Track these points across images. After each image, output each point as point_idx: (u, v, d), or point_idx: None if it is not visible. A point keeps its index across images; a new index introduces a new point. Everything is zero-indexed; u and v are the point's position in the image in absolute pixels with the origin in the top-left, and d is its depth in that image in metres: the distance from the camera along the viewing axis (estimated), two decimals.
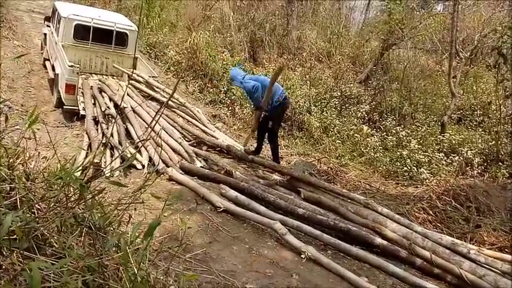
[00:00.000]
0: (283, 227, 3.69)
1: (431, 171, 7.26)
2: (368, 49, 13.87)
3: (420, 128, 9.18)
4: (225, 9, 13.03)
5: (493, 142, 8.07)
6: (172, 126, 6.16)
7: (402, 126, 9.27)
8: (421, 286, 3.31)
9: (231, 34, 12.24)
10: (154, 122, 3.01)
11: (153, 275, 1.83)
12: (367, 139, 8.57)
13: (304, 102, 9.80)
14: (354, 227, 3.97)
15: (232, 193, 4.31)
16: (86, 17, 7.51)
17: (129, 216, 2.16)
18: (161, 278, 1.91)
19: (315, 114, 9.52)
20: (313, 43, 13.43)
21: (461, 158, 7.53)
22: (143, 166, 4.97)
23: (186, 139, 6.03)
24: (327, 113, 9.71)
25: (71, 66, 6.44)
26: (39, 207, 1.87)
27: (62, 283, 1.50)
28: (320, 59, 13.04)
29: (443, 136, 8.52)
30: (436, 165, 7.51)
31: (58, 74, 6.94)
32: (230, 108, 9.21)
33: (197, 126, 6.55)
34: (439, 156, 7.72)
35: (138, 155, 5.04)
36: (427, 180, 6.68)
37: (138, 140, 5.17)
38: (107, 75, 7.77)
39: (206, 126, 6.60)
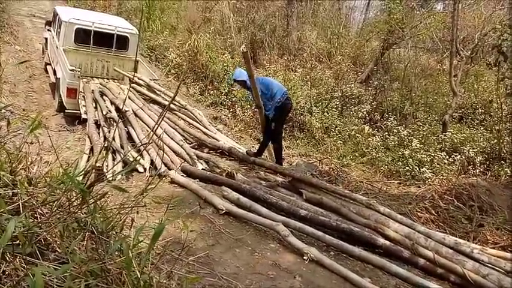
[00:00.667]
0: (286, 228, 3.69)
1: (433, 171, 7.25)
2: (368, 49, 13.87)
3: (422, 127, 9.18)
4: (225, 11, 13.06)
5: (495, 140, 8.05)
6: (174, 128, 6.18)
7: (404, 125, 9.26)
8: (425, 286, 3.30)
9: (231, 36, 12.26)
10: (156, 125, 3.01)
11: (156, 279, 1.83)
12: (369, 139, 8.56)
13: (305, 103, 9.81)
14: (356, 228, 3.96)
15: (234, 195, 4.31)
16: (87, 21, 7.54)
17: (131, 220, 2.17)
18: (164, 281, 1.91)
19: (316, 115, 9.52)
20: (313, 44, 13.44)
21: (463, 157, 7.52)
22: (145, 169, 4.98)
23: (188, 141, 6.04)
24: (328, 113, 9.71)
25: (72, 70, 6.47)
26: (41, 212, 1.88)
27: None
28: (320, 59, 13.04)
29: (445, 135, 8.51)
30: (438, 164, 7.50)
31: (59, 78, 6.96)
32: (231, 110, 9.22)
33: (198, 129, 6.56)
34: (441, 155, 7.72)
35: (140, 159, 5.05)
36: (429, 180, 6.68)
37: (140, 144, 5.19)
38: (108, 78, 7.80)
39: (207, 129, 6.61)
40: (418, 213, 5.12)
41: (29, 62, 8.73)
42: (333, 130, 9.21)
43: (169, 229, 3.34)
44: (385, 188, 6.34)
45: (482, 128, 9.28)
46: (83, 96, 6.65)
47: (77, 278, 1.56)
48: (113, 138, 5.36)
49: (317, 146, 8.75)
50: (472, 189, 5.41)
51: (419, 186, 6.52)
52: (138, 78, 7.30)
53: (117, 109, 6.25)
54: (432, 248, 3.78)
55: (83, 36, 7.51)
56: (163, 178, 4.71)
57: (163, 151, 5.27)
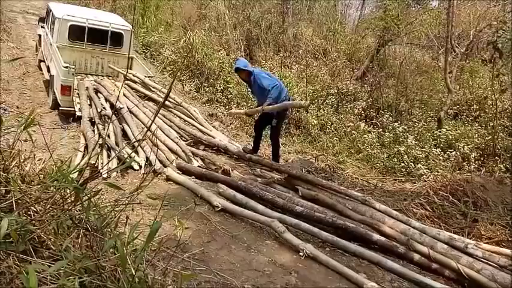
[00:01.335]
0: (282, 225, 3.69)
1: (428, 167, 7.28)
2: (364, 46, 13.88)
3: (417, 123, 9.21)
4: (220, 7, 13.00)
5: (490, 137, 8.10)
6: (169, 126, 6.15)
7: (399, 122, 9.29)
8: (420, 281, 3.33)
9: (226, 32, 12.22)
10: (151, 122, 3.00)
11: (151, 276, 1.83)
12: (365, 136, 8.58)
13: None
14: (352, 224, 3.97)
15: (230, 192, 4.31)
16: (81, 18, 7.47)
17: (126, 217, 2.16)
18: (159, 278, 1.91)
19: (312, 112, 9.53)
20: (309, 40, 13.43)
21: (458, 153, 7.56)
22: (140, 167, 4.96)
23: (183, 139, 6.03)
24: (323, 110, 9.72)
25: (66, 67, 6.41)
26: (35, 209, 1.87)
27: (59, 285, 1.50)
28: (316, 56, 13.04)
29: (440, 131, 8.54)
30: (433, 160, 7.53)
31: (53, 76, 6.91)
32: (227, 107, 9.20)
33: (194, 126, 6.54)
34: (436, 151, 7.75)
35: (135, 156, 5.03)
36: (425, 176, 6.71)
37: (134, 140, 5.16)
38: (102, 75, 7.74)
39: (203, 126, 6.59)
40: (414, 209, 5.14)
41: (23, 59, 8.65)
42: (329, 127, 9.22)
43: (165, 226, 3.33)
44: (380, 185, 6.36)
45: (476, 125, 9.33)
46: (78, 94, 6.60)
47: (71, 275, 1.55)
48: (108, 136, 5.33)
49: (313, 143, 8.75)
50: (466, 185, 5.45)
51: (414, 183, 6.55)
52: (133, 75, 7.26)
53: (112, 106, 6.21)
54: (427, 244, 3.81)
55: (77, 32, 7.45)
56: (159, 175, 4.70)
57: (157, 148, 5.25)
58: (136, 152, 5.12)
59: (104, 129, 5.71)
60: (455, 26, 11.54)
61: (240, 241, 3.57)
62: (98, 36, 7.60)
